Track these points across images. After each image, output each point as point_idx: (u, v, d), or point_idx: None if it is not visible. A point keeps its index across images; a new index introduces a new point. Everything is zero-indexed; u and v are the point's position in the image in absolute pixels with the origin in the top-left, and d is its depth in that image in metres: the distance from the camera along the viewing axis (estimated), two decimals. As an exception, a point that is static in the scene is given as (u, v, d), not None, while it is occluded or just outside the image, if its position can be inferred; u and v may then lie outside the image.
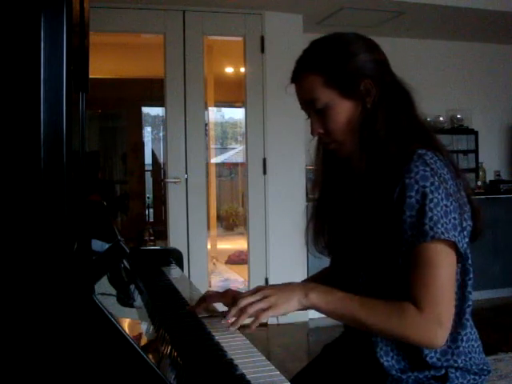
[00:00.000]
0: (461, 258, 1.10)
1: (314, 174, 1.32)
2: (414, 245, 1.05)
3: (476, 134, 4.95)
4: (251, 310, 1.04)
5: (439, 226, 1.04)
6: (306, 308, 1.09)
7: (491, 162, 5.09)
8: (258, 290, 1.09)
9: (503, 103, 5.19)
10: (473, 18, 4.30)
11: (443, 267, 1.05)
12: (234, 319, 1.05)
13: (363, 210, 1.15)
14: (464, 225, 1.10)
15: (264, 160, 4.08)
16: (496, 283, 4.56)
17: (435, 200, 1.05)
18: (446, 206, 1.06)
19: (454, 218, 1.07)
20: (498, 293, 4.59)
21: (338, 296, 1.09)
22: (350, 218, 1.21)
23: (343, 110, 1.17)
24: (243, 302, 1.06)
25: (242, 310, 1.05)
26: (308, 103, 1.20)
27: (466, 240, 1.11)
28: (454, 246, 1.06)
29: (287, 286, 1.10)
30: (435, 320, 1.04)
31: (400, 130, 1.14)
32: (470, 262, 1.15)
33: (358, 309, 1.08)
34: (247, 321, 1.05)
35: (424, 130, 1.18)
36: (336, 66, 1.16)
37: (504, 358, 3.16)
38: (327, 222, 1.30)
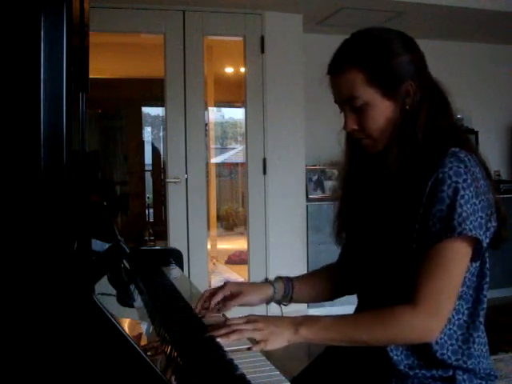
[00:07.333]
0: (478, 256, 1.11)
1: (342, 168, 1.30)
2: (440, 238, 1.06)
3: (476, 134, 4.94)
4: (242, 335, 1.04)
5: (468, 222, 1.05)
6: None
7: (491, 162, 4.99)
8: (249, 320, 1.07)
9: (503, 103, 5.18)
10: (472, 17, 4.29)
11: (457, 264, 1.07)
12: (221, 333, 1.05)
13: (390, 205, 1.14)
14: (488, 225, 1.11)
15: (264, 160, 4.08)
16: (496, 283, 4.55)
17: (466, 197, 1.06)
18: (475, 204, 1.07)
19: (481, 217, 1.08)
20: (498, 293, 4.59)
21: (328, 323, 1.08)
22: (375, 213, 1.21)
23: (383, 109, 1.15)
24: (236, 326, 1.05)
25: (234, 331, 1.04)
26: (346, 99, 1.17)
27: (487, 241, 1.12)
28: (475, 244, 1.08)
29: (277, 322, 1.08)
30: (433, 312, 1.05)
31: (438, 132, 1.14)
32: (487, 266, 1.17)
33: (353, 329, 1.08)
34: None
35: (459, 132, 1.20)
36: (379, 65, 1.14)
37: (504, 358, 3.17)
38: (351, 216, 1.29)
